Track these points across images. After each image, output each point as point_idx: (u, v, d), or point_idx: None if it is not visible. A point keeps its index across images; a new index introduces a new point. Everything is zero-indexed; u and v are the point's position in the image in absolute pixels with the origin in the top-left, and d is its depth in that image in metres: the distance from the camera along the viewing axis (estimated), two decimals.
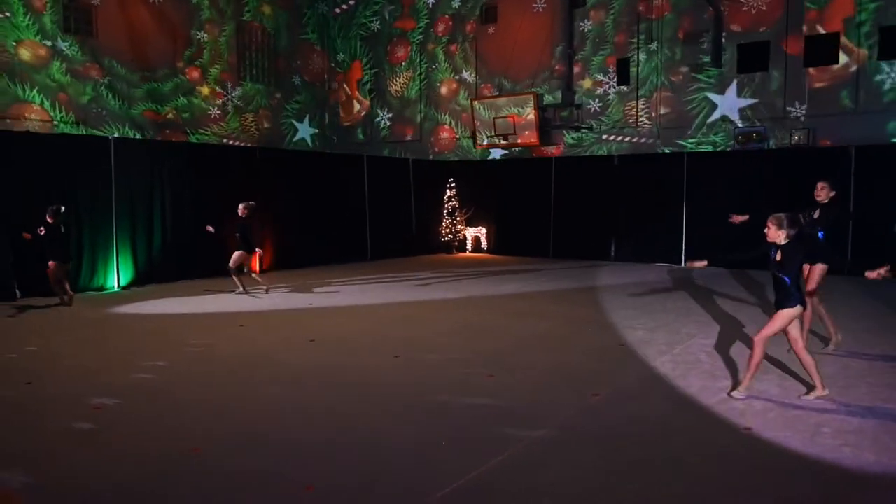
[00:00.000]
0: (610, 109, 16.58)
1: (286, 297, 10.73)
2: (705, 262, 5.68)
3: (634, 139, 16.32)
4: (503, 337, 7.67)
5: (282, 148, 18.29)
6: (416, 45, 19.47)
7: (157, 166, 12.27)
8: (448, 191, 17.84)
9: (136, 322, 8.71)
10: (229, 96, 17.72)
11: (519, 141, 17.35)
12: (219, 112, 17.45)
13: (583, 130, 16.83)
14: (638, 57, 16.09)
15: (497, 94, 17.91)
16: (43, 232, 9.47)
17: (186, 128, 16.33)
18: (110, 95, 15.29)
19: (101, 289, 11.40)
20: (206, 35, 17.29)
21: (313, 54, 20.34)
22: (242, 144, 17.35)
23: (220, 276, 12.64)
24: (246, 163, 13.76)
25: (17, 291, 10.37)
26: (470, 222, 17.92)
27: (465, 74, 18.70)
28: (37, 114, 13.84)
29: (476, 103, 17.82)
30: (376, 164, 16.90)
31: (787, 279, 5.14)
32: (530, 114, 16.92)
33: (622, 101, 16.42)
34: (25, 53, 14.06)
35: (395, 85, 19.93)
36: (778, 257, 5.19)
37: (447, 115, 19.19)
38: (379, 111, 20.22)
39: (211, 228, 11.12)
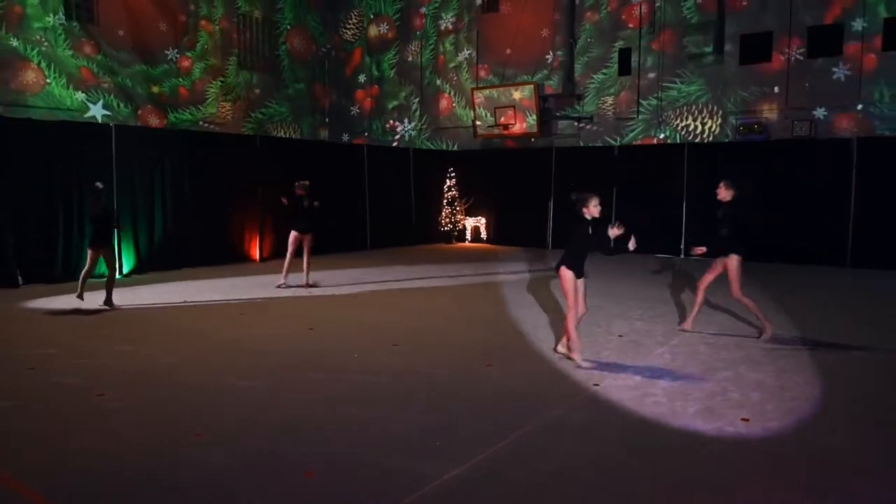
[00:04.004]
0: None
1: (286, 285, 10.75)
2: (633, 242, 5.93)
3: (636, 129, 16.26)
4: (504, 326, 7.70)
5: (282, 137, 18.18)
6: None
7: (158, 153, 12.24)
8: (448, 180, 17.82)
9: (138, 311, 8.72)
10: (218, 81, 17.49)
11: (518, 130, 17.29)
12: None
13: (583, 121, 16.78)
14: (640, 46, 16.01)
15: (497, 83, 17.83)
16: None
17: (168, 106, 16.27)
18: (100, 69, 15.22)
19: (103, 276, 11.37)
20: (203, 21, 17.09)
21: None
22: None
23: (220, 264, 12.67)
24: (246, 151, 13.74)
25: (20, 278, 10.37)
26: (469, 212, 17.91)
27: (466, 53, 18.65)
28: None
29: (477, 92, 17.75)
30: (376, 153, 16.87)
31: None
32: (530, 103, 16.85)
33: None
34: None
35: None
36: (590, 231, 5.97)
37: (448, 85, 19.12)
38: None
39: (284, 200, 10.38)
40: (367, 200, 16.32)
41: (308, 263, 10.34)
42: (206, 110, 16.96)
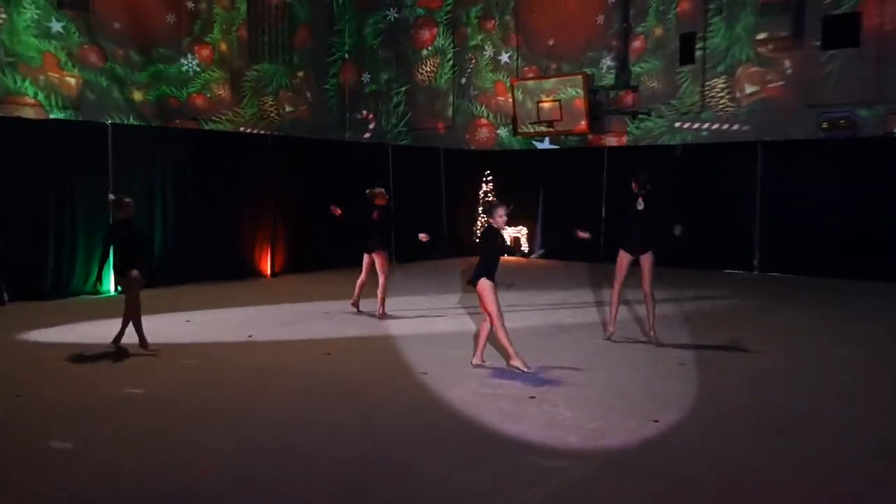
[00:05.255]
0: (682, 90, 16.29)
1: (301, 308, 10.85)
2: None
3: (715, 126, 15.95)
4: (553, 352, 7.68)
5: (297, 136, 18.32)
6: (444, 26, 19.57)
7: (159, 156, 12.49)
8: (484, 185, 17.83)
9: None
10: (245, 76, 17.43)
11: (565, 128, 17.27)
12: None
13: (640, 116, 16.68)
14: (705, 31, 15.87)
15: (541, 74, 17.84)
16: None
17: (196, 115, 16.32)
18: (110, 83, 15.17)
19: (96, 292, 11.54)
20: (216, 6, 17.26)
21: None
22: (262, 132, 17.21)
23: (226, 279, 12.80)
24: (257, 152, 13.97)
25: (5, 294, 10.61)
26: (509, 221, 17.75)
27: (505, 56, 18.74)
28: (31, 107, 13.83)
29: (516, 86, 17.79)
30: (403, 154, 16.98)
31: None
32: (579, 98, 16.82)
33: (696, 81, 16.06)
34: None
35: (422, 73, 19.96)
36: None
37: (483, 107, 19.23)
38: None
39: (338, 211, 10.05)
40: (391, 207, 16.39)
41: (384, 287, 9.90)
42: (244, 112, 17.08)
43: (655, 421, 5.45)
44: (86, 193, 11.49)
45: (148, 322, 7.72)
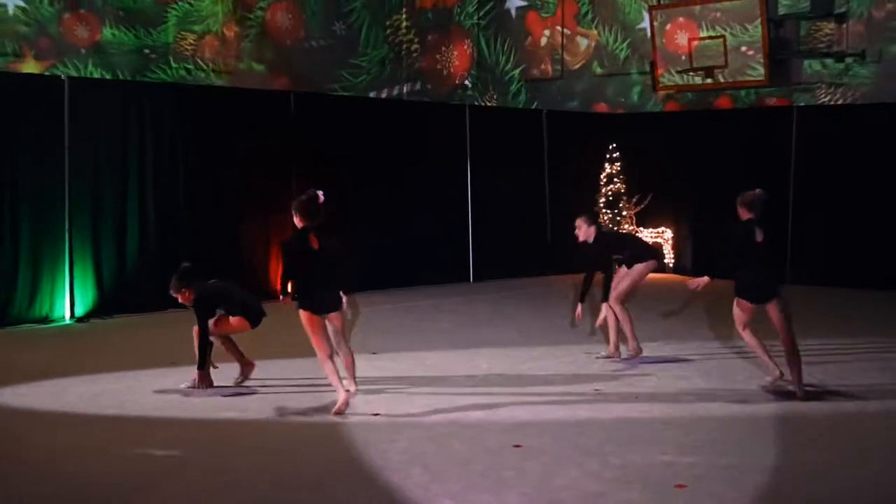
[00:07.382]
0: None
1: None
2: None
3: None
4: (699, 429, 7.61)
5: (331, 95, 18.32)
6: None
7: (136, 122, 12.63)
8: (608, 165, 17.66)
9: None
10: None
11: (732, 79, 17.05)
12: None
13: (848, 61, 16.33)
14: None
15: None
16: None
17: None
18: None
19: (46, 320, 11.74)
20: None
21: None
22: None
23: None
24: (274, 116, 14.12)
25: None
26: (643, 220, 17.58)
27: None
28: None
29: (658, 15, 17.63)
30: (485, 119, 16.97)
31: None
32: (754, 33, 16.58)
33: None
34: None
35: None
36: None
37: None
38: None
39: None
40: (469, 197, 16.35)
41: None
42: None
43: None
44: (31, 177, 11.66)
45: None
